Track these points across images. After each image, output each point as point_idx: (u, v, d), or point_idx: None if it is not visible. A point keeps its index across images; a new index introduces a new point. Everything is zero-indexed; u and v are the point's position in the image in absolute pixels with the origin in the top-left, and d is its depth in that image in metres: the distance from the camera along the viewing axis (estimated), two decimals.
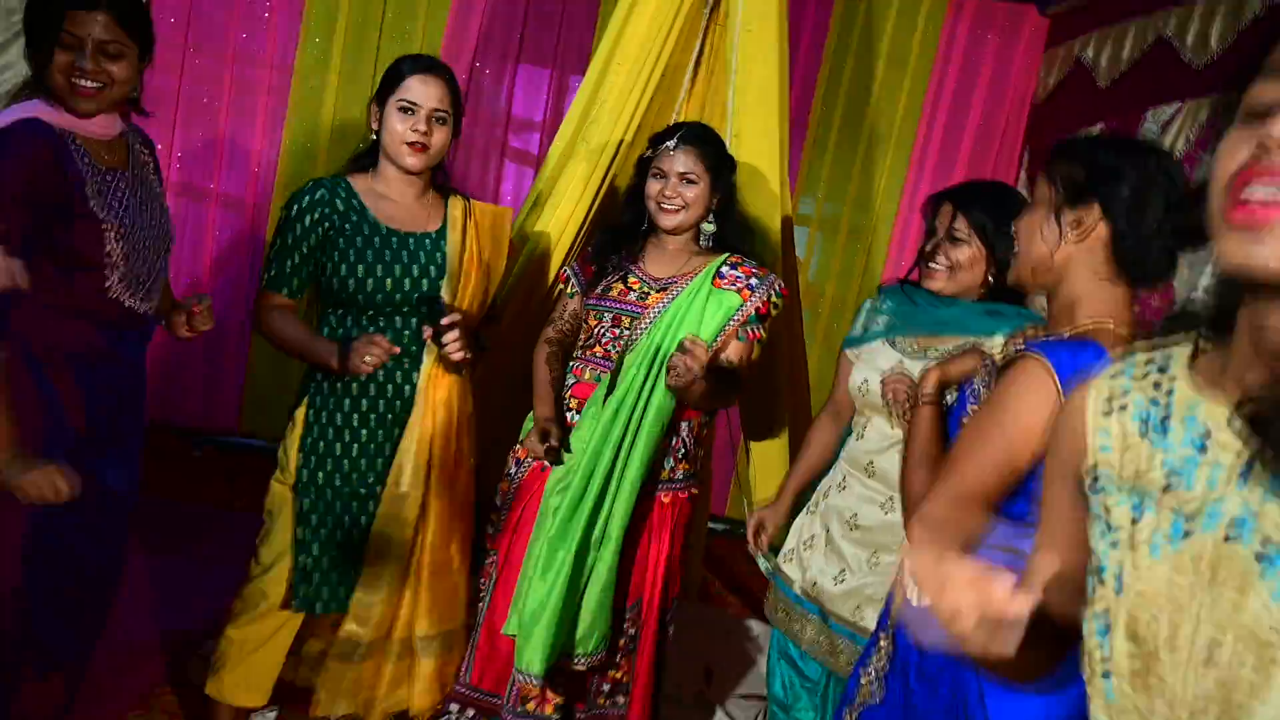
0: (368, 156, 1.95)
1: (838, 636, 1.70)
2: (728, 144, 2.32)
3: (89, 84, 1.59)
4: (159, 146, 2.23)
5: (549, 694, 1.93)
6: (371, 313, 1.87)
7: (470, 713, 1.99)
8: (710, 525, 3.28)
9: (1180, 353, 0.75)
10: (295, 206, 1.86)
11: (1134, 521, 0.70)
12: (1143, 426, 0.73)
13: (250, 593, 1.90)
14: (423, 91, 1.86)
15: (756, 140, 2.37)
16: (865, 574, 1.71)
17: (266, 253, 1.92)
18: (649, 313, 1.94)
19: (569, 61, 4.06)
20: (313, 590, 1.87)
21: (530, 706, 1.93)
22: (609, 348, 1.96)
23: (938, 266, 1.67)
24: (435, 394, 1.90)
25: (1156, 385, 0.74)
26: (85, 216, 1.61)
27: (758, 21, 2.36)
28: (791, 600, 1.83)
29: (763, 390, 2.46)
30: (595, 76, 2.47)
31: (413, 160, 1.87)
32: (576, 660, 1.88)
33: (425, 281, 1.90)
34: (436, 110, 1.87)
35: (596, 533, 1.85)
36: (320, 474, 1.87)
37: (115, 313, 1.68)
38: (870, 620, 1.66)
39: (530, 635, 1.81)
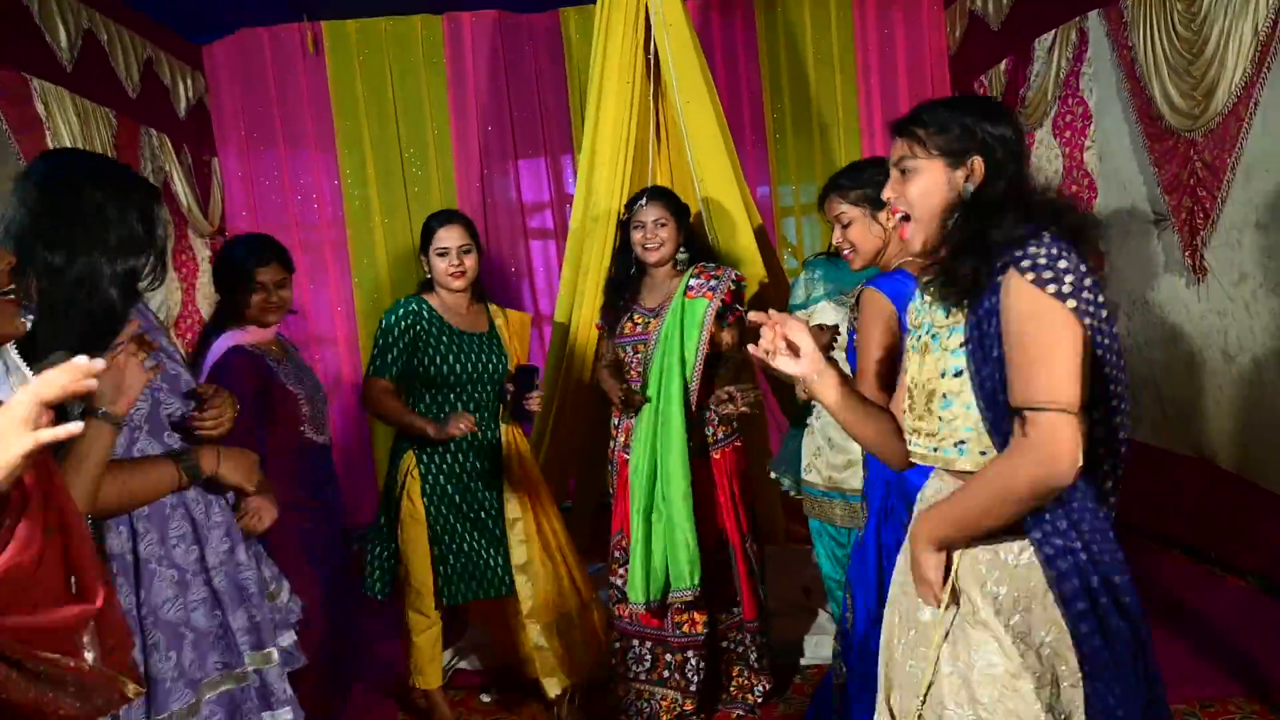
0: (428, 287, 2.71)
1: (857, 504, 2.36)
2: (696, 186, 3.07)
3: (273, 309, 2.37)
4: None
5: (696, 615, 2.62)
6: (452, 392, 2.61)
7: (648, 645, 2.65)
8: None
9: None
10: (393, 316, 2.61)
11: (911, 344, 1.44)
12: (919, 300, 1.45)
13: (414, 615, 2.64)
14: (449, 236, 2.61)
15: (716, 180, 3.09)
16: (859, 454, 2.31)
17: (372, 351, 2.65)
18: (651, 337, 2.63)
19: (555, 146, 4.85)
20: (452, 592, 2.60)
21: (685, 629, 2.61)
22: (636, 372, 2.67)
23: (846, 252, 2.17)
24: (514, 440, 2.68)
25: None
26: (285, 394, 2.37)
27: (693, 94, 3.09)
28: (820, 496, 2.50)
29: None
30: (586, 163, 3.22)
31: (457, 284, 2.62)
32: (675, 594, 2.52)
33: (490, 367, 2.65)
34: (462, 246, 2.61)
35: (658, 498, 2.52)
36: (445, 509, 2.59)
37: (310, 446, 2.43)
38: None
39: (632, 576, 2.52)
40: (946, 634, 1.33)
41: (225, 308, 2.41)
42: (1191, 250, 3.31)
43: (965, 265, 1.29)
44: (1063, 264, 1.21)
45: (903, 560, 1.46)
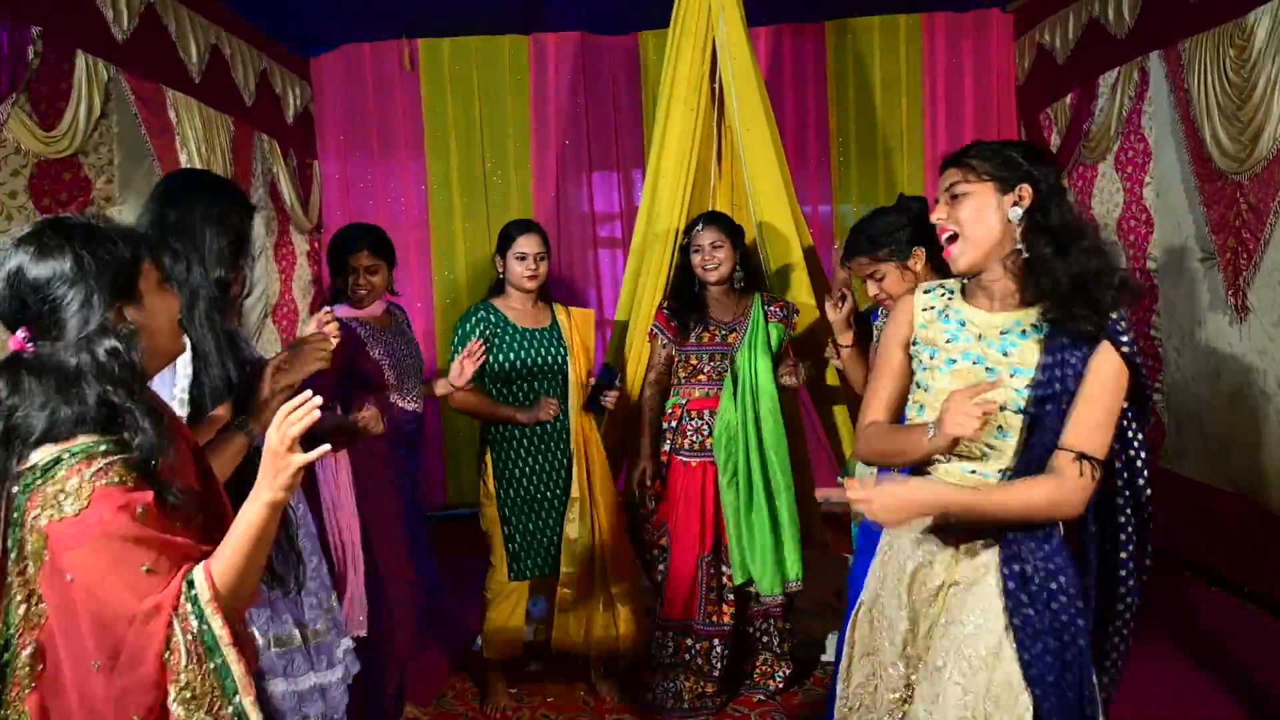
0: (498, 287, 3.01)
1: None
2: (752, 209, 3.29)
3: (362, 290, 2.70)
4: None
5: (724, 607, 2.85)
6: (518, 383, 2.89)
7: (671, 634, 2.89)
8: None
9: (957, 285, 1.63)
10: (466, 324, 2.91)
11: (931, 357, 1.58)
12: (937, 315, 1.61)
13: (491, 587, 2.93)
14: (528, 243, 2.89)
15: (770, 203, 3.29)
16: None
17: (450, 358, 2.92)
18: (734, 346, 2.87)
19: (627, 161, 5.12)
20: (522, 567, 2.88)
21: (714, 619, 2.85)
22: (711, 374, 2.90)
23: (884, 300, 2.31)
24: (585, 428, 2.93)
25: (946, 301, 1.62)
26: (370, 362, 2.68)
27: (752, 121, 3.31)
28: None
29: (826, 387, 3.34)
30: (651, 180, 3.46)
31: (530, 285, 2.91)
32: (790, 585, 2.78)
33: (551, 359, 2.92)
34: (538, 253, 2.90)
35: (765, 483, 2.76)
36: (512, 491, 2.87)
37: (395, 409, 2.74)
38: None
39: (765, 575, 2.74)
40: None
41: (334, 286, 2.78)
42: (1234, 289, 3.39)
43: (1083, 314, 1.42)
44: (1136, 344, 1.44)
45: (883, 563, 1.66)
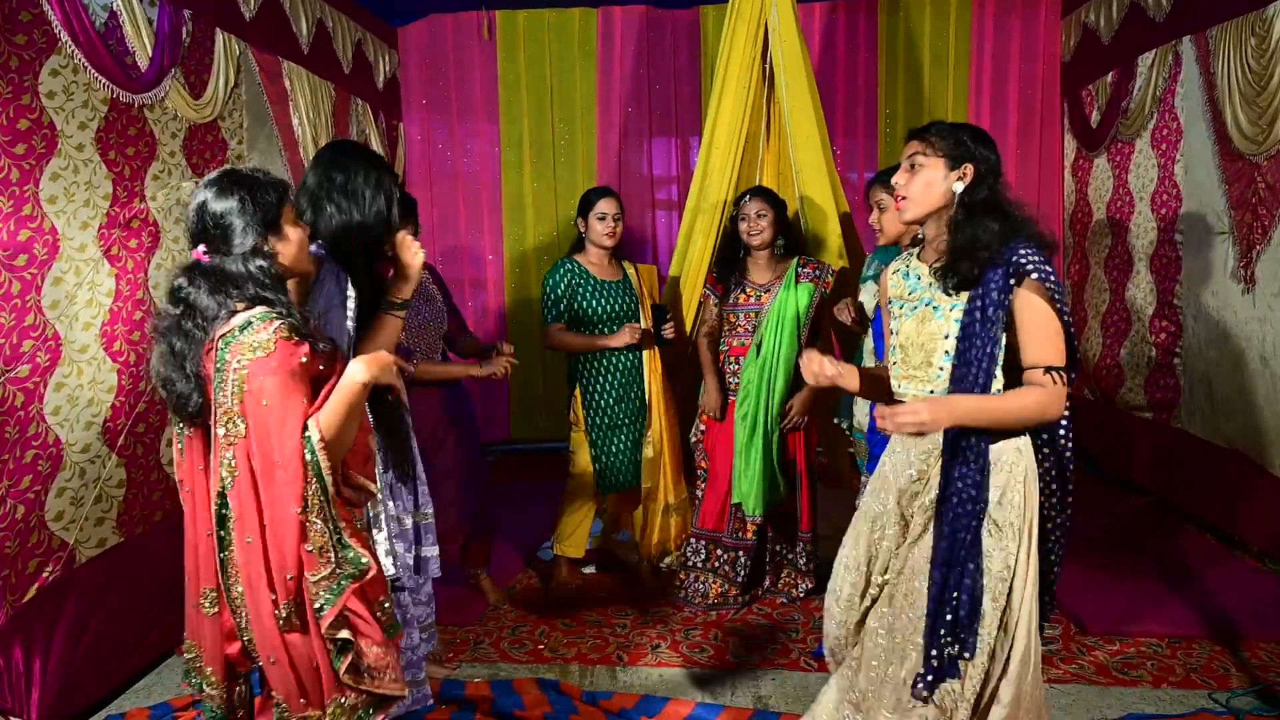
0: (579, 244, 3.45)
1: None
2: (795, 179, 3.66)
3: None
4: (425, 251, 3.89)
5: (749, 525, 3.30)
6: (598, 325, 3.35)
7: (704, 543, 3.36)
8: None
9: (915, 251, 2.02)
10: (554, 276, 3.37)
11: (900, 308, 1.99)
12: (902, 276, 2.01)
13: (569, 494, 3.45)
14: (608, 206, 3.35)
15: (812, 174, 3.65)
16: None
17: (543, 305, 3.39)
18: (765, 306, 3.28)
19: (685, 128, 5.49)
20: (607, 482, 3.40)
21: (739, 534, 3.31)
22: (747, 326, 3.32)
23: (876, 230, 2.84)
24: (653, 362, 3.41)
25: (907, 263, 2.02)
26: None
27: (798, 100, 3.66)
28: (860, 438, 3.10)
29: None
30: (704, 152, 3.85)
31: (609, 242, 3.36)
32: (773, 506, 3.23)
33: (625, 305, 3.38)
34: (615, 214, 3.35)
35: (764, 428, 3.20)
36: (598, 418, 3.37)
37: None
38: None
39: (750, 496, 3.20)
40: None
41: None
42: (1246, 261, 3.65)
43: (966, 266, 1.82)
44: (1052, 274, 1.76)
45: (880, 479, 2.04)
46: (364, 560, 1.60)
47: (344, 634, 1.57)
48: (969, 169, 1.85)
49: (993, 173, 1.87)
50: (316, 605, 1.54)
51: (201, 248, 1.65)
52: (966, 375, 1.81)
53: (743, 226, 3.30)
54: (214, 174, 1.69)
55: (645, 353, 3.41)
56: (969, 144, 1.86)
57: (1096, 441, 4.92)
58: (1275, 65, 3.35)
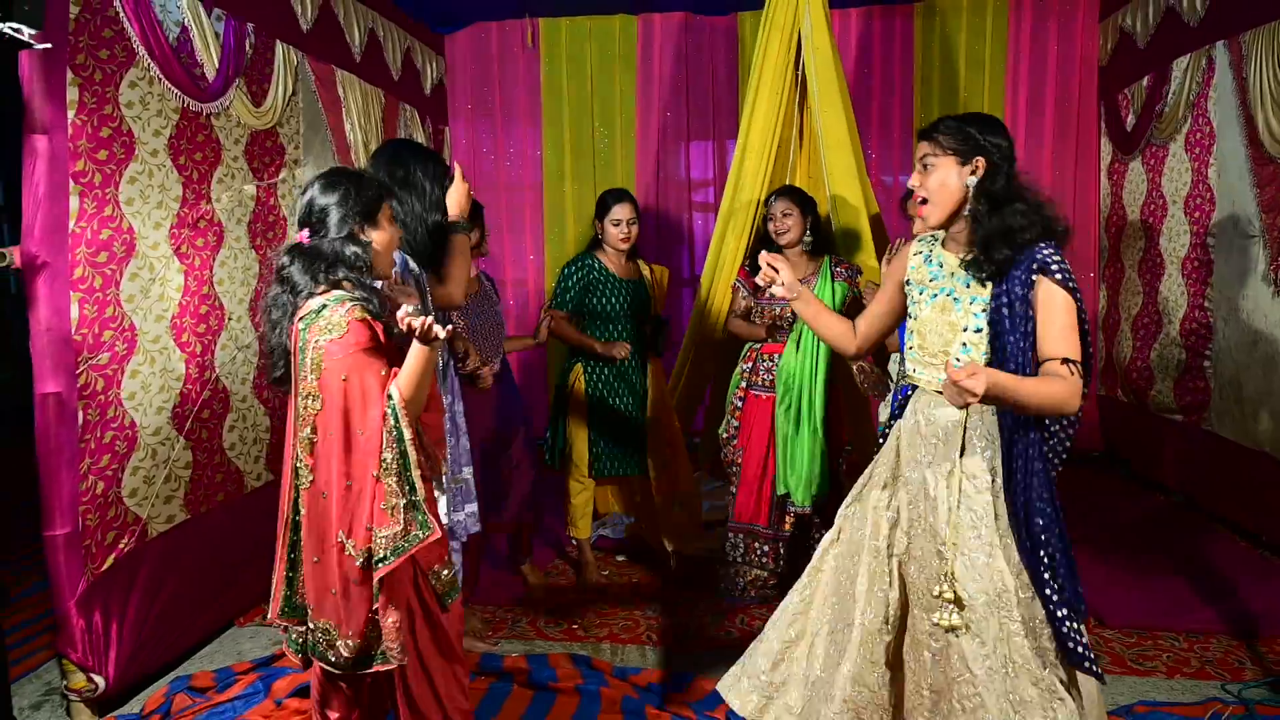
0: (596, 244, 3.60)
1: None
2: (826, 181, 3.77)
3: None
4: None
5: (786, 518, 3.41)
6: (613, 322, 3.51)
7: (740, 536, 3.47)
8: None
9: (942, 235, 2.10)
10: (570, 268, 3.53)
11: (920, 294, 2.07)
12: (924, 260, 2.09)
13: (571, 476, 3.59)
14: (622, 211, 3.48)
15: (843, 177, 3.76)
16: None
17: (554, 291, 3.57)
18: None
19: (722, 132, 5.61)
20: (601, 468, 3.55)
21: (778, 526, 3.41)
22: (781, 323, 3.44)
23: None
24: (653, 365, 3.57)
25: (931, 247, 2.10)
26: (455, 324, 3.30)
27: (829, 104, 3.77)
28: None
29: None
30: (739, 155, 3.98)
31: (623, 246, 3.51)
32: (818, 500, 3.32)
33: (639, 304, 3.53)
34: (630, 219, 3.49)
35: (811, 420, 3.29)
36: (600, 408, 3.52)
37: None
38: None
39: (798, 489, 3.29)
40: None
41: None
42: (1277, 265, 3.68)
43: (998, 257, 1.86)
44: (1072, 275, 1.82)
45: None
46: (431, 525, 1.74)
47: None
48: (980, 162, 1.87)
49: (1006, 159, 1.88)
50: (378, 557, 1.70)
51: (305, 231, 1.83)
52: (1004, 369, 1.83)
53: (771, 226, 3.43)
54: (327, 170, 1.91)
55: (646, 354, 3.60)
56: (977, 136, 1.86)
57: (1128, 444, 4.94)
58: None
